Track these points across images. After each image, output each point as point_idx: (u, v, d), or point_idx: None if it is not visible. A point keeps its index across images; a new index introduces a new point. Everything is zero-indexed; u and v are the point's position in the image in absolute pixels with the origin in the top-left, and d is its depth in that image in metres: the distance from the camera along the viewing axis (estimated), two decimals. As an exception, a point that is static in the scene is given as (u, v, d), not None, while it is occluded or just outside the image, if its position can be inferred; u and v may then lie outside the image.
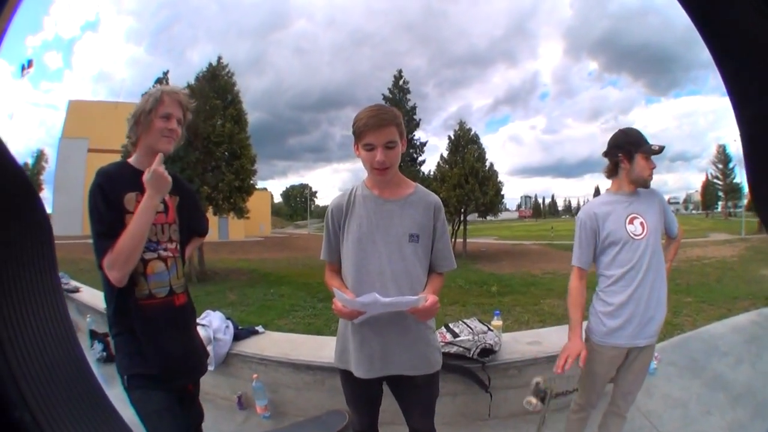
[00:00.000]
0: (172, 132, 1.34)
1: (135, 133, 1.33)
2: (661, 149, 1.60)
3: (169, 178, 1.28)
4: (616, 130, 1.70)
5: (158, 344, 1.28)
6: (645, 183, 1.64)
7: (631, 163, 1.61)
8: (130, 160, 1.35)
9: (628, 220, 1.61)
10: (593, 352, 1.63)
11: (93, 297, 3.84)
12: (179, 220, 1.42)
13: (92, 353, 3.18)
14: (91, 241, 1.22)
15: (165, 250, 1.34)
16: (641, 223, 1.61)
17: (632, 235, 1.59)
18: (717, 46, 0.42)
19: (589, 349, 1.62)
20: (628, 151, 1.61)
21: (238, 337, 2.59)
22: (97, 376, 0.59)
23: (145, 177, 1.24)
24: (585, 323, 1.69)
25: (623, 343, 1.61)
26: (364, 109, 1.27)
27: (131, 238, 1.19)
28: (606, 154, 1.68)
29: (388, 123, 1.23)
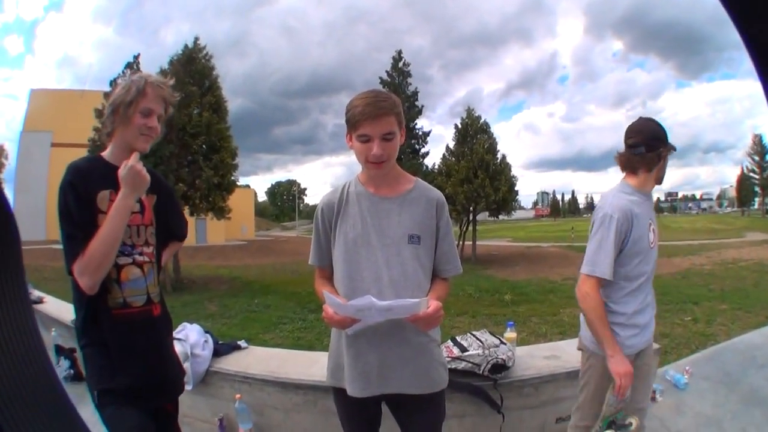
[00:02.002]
0: (151, 130, 1.35)
1: (111, 124, 1.33)
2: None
3: (147, 176, 1.29)
4: (648, 119, 1.67)
5: (133, 358, 1.30)
6: (661, 182, 1.70)
7: (664, 160, 1.64)
8: (104, 154, 1.36)
9: (648, 226, 1.62)
10: (605, 368, 1.60)
11: (58, 309, 3.83)
12: (156, 222, 1.43)
13: (58, 371, 3.17)
14: (57, 246, 1.23)
15: (141, 254, 1.35)
16: (653, 230, 1.65)
17: (651, 244, 1.62)
18: (746, 26, 0.42)
19: (601, 366, 1.62)
20: (666, 146, 1.62)
21: (218, 352, 2.59)
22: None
23: (121, 173, 1.25)
24: (586, 335, 1.71)
25: (632, 353, 1.63)
26: (359, 95, 1.28)
27: (103, 242, 1.20)
28: (643, 146, 1.59)
29: (386, 112, 1.23)
